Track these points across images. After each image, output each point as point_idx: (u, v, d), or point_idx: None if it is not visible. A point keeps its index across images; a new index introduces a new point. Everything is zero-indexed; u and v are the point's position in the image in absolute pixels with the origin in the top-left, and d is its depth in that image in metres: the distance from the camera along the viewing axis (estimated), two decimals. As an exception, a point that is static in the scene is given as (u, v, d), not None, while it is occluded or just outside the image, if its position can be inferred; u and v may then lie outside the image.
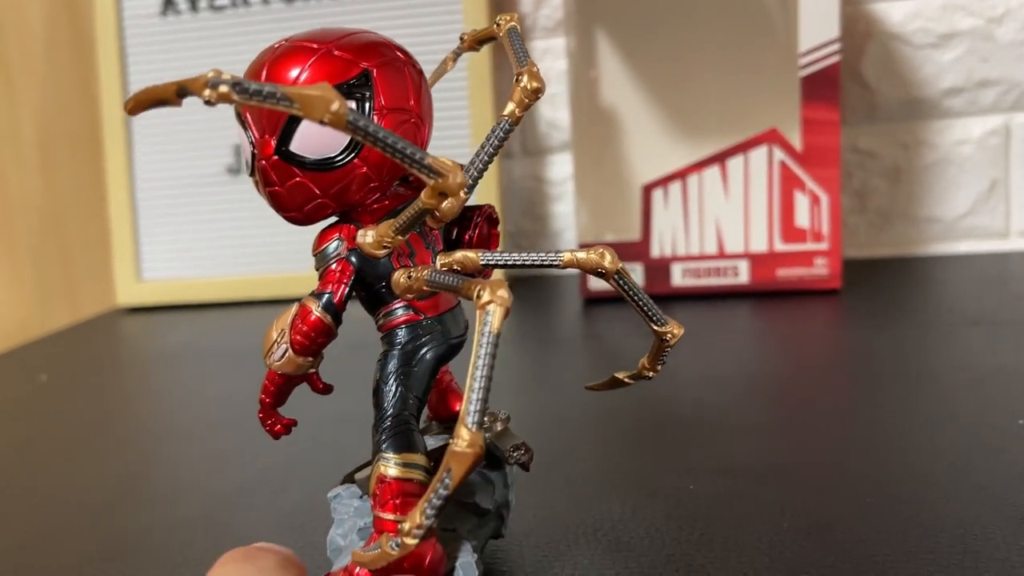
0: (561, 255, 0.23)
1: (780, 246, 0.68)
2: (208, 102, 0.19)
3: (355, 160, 0.24)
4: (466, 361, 0.20)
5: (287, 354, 0.25)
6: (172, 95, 0.19)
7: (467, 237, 0.28)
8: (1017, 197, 0.78)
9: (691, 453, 0.40)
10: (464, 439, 0.19)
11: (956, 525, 0.32)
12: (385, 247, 0.24)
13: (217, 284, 0.83)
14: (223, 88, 0.19)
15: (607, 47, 0.68)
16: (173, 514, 0.40)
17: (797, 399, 0.47)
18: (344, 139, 0.24)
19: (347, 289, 0.25)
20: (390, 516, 0.24)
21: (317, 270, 0.25)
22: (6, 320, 0.99)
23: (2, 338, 0.98)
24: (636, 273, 0.70)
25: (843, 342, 0.58)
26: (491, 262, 0.24)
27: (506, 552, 0.33)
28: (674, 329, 0.25)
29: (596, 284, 0.70)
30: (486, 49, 0.79)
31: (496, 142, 0.25)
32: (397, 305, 0.26)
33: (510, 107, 0.26)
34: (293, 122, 0.24)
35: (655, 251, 0.69)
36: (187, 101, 0.20)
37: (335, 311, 0.25)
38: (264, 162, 0.25)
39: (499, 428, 0.31)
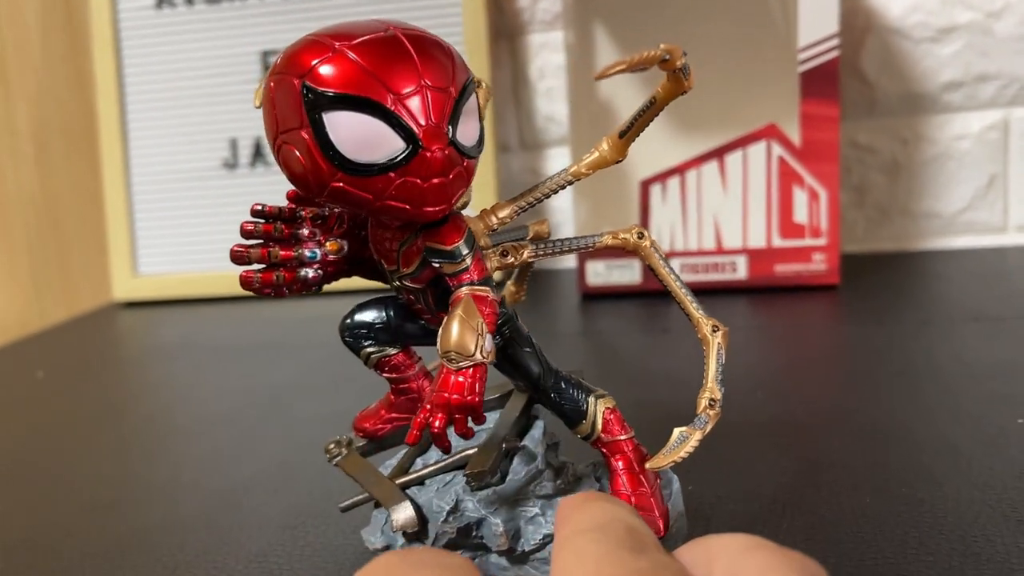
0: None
1: (778, 242, 0.68)
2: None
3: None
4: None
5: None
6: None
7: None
8: (1015, 192, 0.78)
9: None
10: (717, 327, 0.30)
11: (956, 526, 0.32)
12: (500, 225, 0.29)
13: (214, 279, 0.82)
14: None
15: (605, 41, 0.67)
16: (175, 512, 0.39)
17: (795, 396, 0.47)
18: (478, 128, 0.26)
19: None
20: (624, 436, 0.30)
21: (452, 261, 0.27)
22: (3, 314, 0.99)
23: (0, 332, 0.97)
24: (634, 270, 0.69)
25: (842, 338, 0.57)
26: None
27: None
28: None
29: (594, 279, 0.70)
30: (483, 46, 0.78)
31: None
32: (466, 286, 0.27)
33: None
34: (457, 111, 0.25)
35: (653, 246, 0.69)
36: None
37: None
38: (440, 152, 0.24)
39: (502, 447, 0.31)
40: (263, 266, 0.29)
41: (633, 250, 0.30)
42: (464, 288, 0.27)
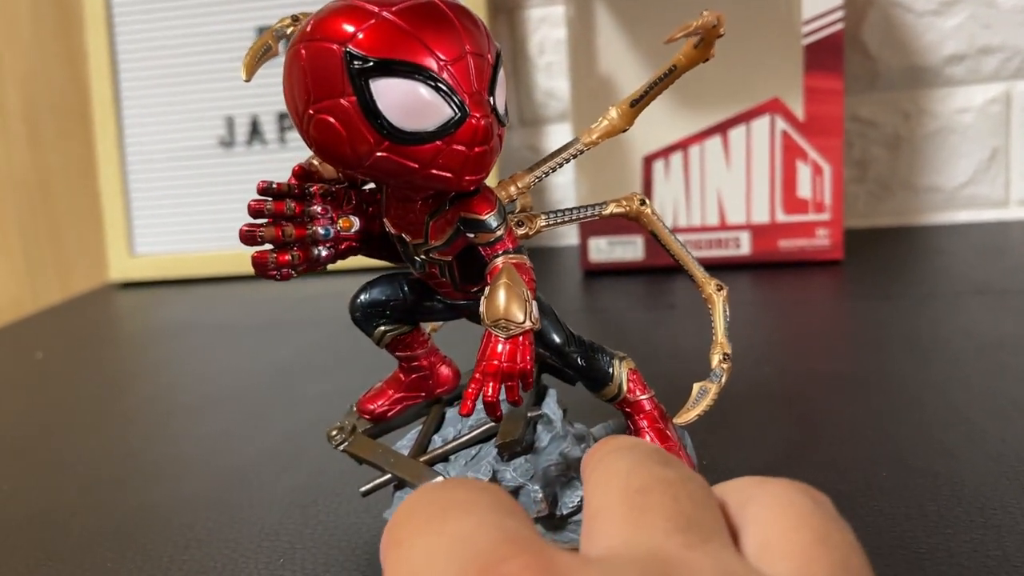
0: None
1: (782, 217, 0.67)
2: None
3: None
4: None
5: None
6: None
7: None
8: (1017, 166, 0.78)
9: (697, 428, 0.39)
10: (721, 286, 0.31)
11: (974, 497, 0.32)
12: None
13: (212, 259, 0.81)
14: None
15: (606, 15, 0.67)
16: (182, 490, 0.39)
17: (803, 371, 0.47)
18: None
19: None
20: (645, 395, 0.31)
21: (487, 231, 0.27)
22: (-3, 296, 0.98)
23: (-7, 314, 0.97)
24: (636, 246, 0.69)
25: (847, 313, 0.57)
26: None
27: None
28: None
29: (596, 256, 0.70)
30: (482, 20, 0.77)
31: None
32: (502, 255, 0.27)
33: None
34: (495, 79, 0.25)
35: (656, 222, 0.69)
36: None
37: None
38: (485, 120, 0.24)
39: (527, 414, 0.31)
40: (274, 246, 0.28)
41: (635, 217, 0.31)
42: (500, 257, 0.27)
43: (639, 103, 0.31)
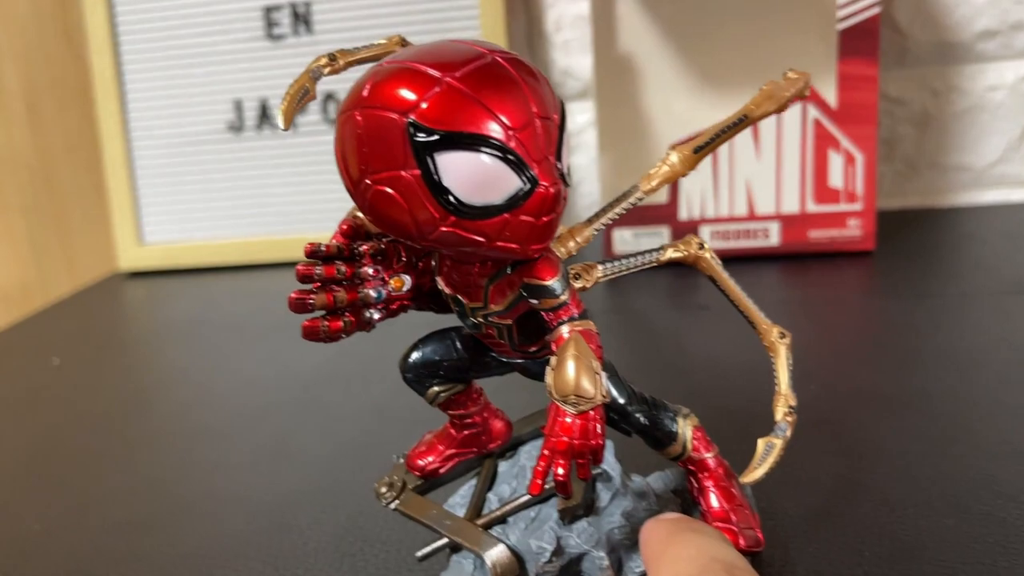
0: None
1: (812, 207, 0.65)
2: None
3: None
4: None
5: None
6: None
7: None
8: (1049, 145, 0.76)
9: (724, 426, 0.38)
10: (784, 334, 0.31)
11: (1047, 555, 0.31)
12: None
13: (222, 247, 0.80)
14: None
15: (630, -5, 0.64)
16: (217, 534, 0.38)
17: (846, 391, 0.45)
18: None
19: None
20: (710, 454, 0.31)
21: (552, 297, 0.25)
22: (4, 281, 0.96)
23: (2, 299, 0.95)
24: (663, 237, 0.67)
25: (882, 317, 0.56)
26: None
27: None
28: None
29: (621, 247, 0.68)
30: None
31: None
32: (567, 323, 0.25)
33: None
34: (561, 140, 0.24)
35: (683, 213, 0.67)
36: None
37: None
38: (554, 187, 0.23)
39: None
40: (326, 312, 0.27)
41: (693, 262, 0.30)
42: (566, 325, 0.25)
43: (703, 150, 0.29)
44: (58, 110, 0.92)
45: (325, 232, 0.79)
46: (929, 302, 0.56)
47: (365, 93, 0.23)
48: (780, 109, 0.28)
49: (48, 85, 0.91)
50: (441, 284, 0.28)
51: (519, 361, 0.29)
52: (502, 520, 0.30)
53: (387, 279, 0.27)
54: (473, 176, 0.22)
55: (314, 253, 0.27)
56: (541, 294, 0.25)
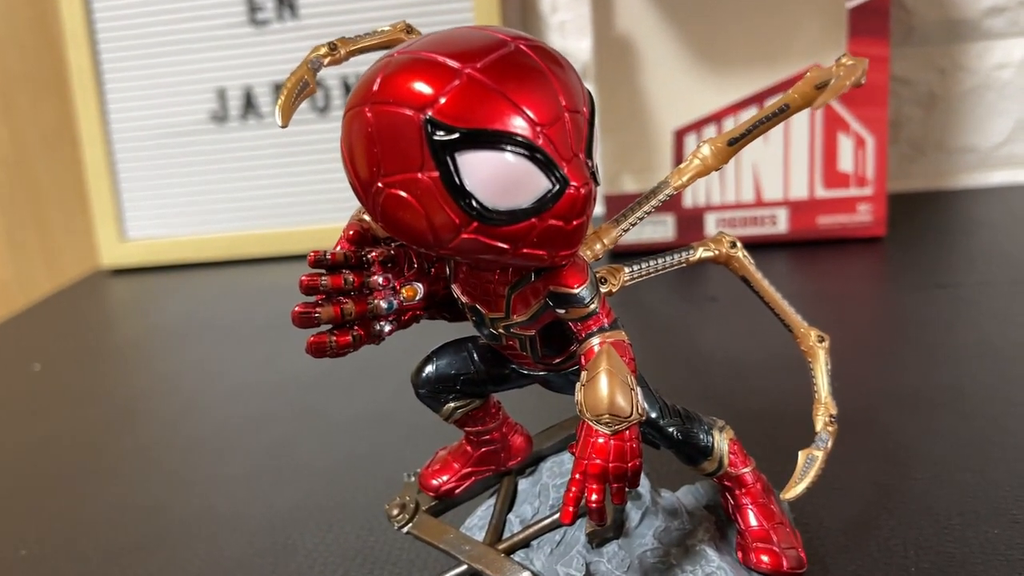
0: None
1: (821, 192, 0.63)
2: None
3: None
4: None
5: None
6: None
7: None
8: (1058, 124, 0.74)
9: (750, 432, 0.36)
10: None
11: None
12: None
13: (207, 242, 0.77)
14: None
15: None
16: (218, 557, 0.36)
17: (873, 389, 0.43)
18: None
19: None
20: (747, 469, 0.28)
21: (580, 305, 0.23)
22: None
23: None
24: (667, 225, 0.65)
25: (901, 308, 0.54)
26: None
27: None
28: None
29: (624, 240, 0.66)
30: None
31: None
32: (597, 334, 0.23)
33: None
34: (591, 135, 0.21)
35: (688, 200, 0.65)
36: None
37: None
38: (586, 188, 0.21)
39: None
40: (333, 326, 0.24)
41: (725, 262, 0.29)
42: (596, 337, 0.23)
43: (738, 142, 0.27)
44: (34, 102, 0.88)
45: (314, 226, 0.77)
46: (948, 292, 0.54)
47: (376, 87, 0.20)
48: (828, 98, 0.25)
49: (22, 76, 0.88)
50: (457, 292, 0.25)
51: (541, 373, 0.27)
52: (525, 544, 0.28)
53: (398, 288, 0.25)
54: (498, 177, 0.20)
55: (319, 262, 0.24)
56: (569, 303, 0.23)
